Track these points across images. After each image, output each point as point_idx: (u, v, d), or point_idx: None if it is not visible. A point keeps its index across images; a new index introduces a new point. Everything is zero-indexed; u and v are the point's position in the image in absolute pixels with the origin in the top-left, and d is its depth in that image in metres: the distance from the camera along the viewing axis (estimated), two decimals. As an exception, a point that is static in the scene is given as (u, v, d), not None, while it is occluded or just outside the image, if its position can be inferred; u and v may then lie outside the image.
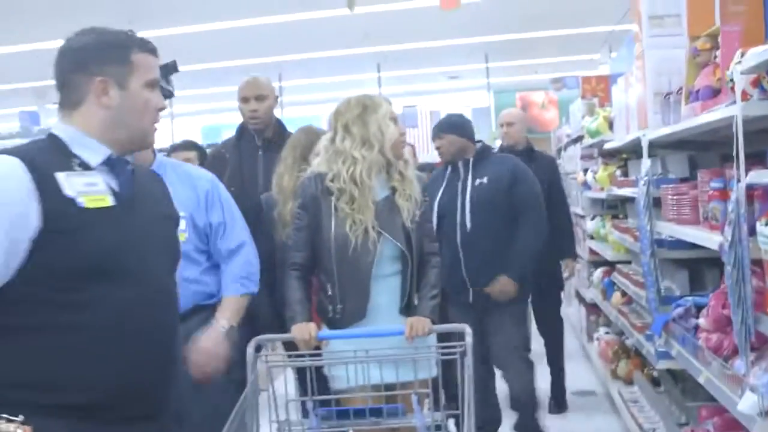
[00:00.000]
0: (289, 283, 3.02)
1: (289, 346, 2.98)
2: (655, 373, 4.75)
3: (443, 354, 2.67)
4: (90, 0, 8.80)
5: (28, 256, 1.76)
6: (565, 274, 5.43)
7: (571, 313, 7.86)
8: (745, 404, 2.45)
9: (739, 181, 2.38)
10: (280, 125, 4.04)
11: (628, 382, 5.32)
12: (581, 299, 7.13)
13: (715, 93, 3.00)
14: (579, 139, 6.73)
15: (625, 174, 5.07)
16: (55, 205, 1.78)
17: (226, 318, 2.69)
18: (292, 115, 17.00)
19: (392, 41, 12.94)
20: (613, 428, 4.94)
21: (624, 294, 5.01)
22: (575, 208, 6.69)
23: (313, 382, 2.50)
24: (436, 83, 17.87)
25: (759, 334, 2.46)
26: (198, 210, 2.82)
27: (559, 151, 8.91)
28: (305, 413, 2.45)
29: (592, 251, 6.21)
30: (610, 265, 5.54)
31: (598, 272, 5.91)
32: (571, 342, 7.31)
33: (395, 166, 3.06)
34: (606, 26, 10.85)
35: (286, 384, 2.73)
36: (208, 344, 2.59)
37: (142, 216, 1.97)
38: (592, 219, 6.20)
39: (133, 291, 1.87)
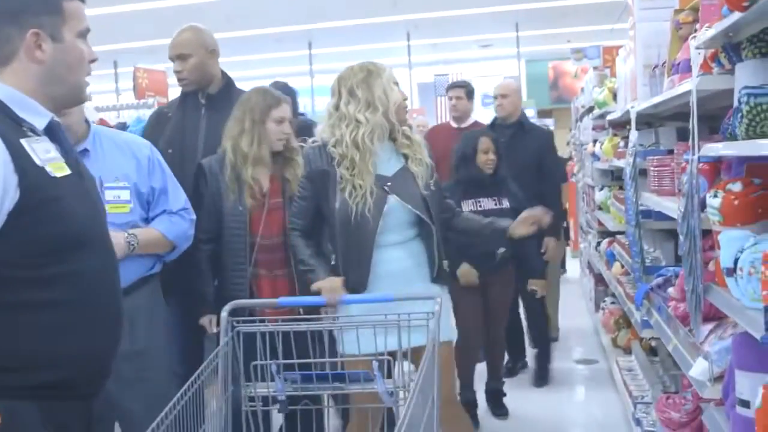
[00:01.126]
0: (294, 242, 3.08)
1: (256, 311, 2.99)
2: (653, 343, 4.82)
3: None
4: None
5: (2, 230, 1.65)
6: (544, 254, 5.33)
7: (584, 283, 7.91)
8: (697, 370, 2.52)
9: (693, 154, 2.43)
10: (226, 81, 3.71)
11: (627, 351, 5.38)
12: (591, 270, 7.18)
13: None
14: (591, 109, 6.73)
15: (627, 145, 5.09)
16: (31, 176, 1.68)
17: (136, 231, 2.78)
18: (322, 83, 17.09)
19: (422, 9, 12.90)
20: (609, 396, 5.01)
21: (623, 265, 5.05)
22: (587, 179, 6.71)
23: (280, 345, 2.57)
24: (467, 52, 17.72)
25: (712, 305, 2.52)
26: (141, 177, 2.85)
27: (576, 121, 8.89)
28: (271, 377, 2.52)
29: (599, 222, 6.24)
30: (613, 236, 5.58)
31: (604, 243, 5.95)
32: (581, 312, 7.38)
33: (400, 131, 3.08)
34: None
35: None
36: None
37: (90, 182, 1.93)
38: (600, 190, 6.22)
39: (99, 260, 1.83)
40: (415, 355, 2.64)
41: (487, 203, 4.39)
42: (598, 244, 6.35)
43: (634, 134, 3.78)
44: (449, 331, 3.12)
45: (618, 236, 5.20)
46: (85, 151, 2.78)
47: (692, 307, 2.49)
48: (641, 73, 3.78)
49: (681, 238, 2.51)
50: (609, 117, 5.17)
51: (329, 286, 2.89)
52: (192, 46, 3.59)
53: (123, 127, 5.38)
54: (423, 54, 16.69)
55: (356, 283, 2.96)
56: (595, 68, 6.87)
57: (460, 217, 3.36)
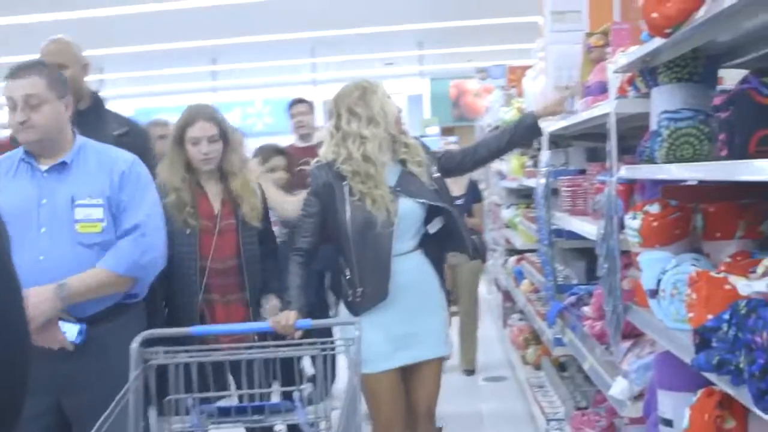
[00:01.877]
0: (291, 268, 3.02)
1: (175, 342, 2.87)
2: (562, 359, 4.89)
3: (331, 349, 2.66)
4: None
5: None
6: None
7: (492, 299, 8.01)
8: (617, 389, 2.56)
9: (611, 175, 2.47)
10: (95, 98, 3.51)
11: (537, 367, 5.45)
12: (498, 286, 7.27)
13: (605, 89, 3.10)
14: (497, 128, 6.83)
15: (536, 164, 5.17)
16: None
17: (69, 281, 2.52)
18: (226, 100, 16.87)
19: (326, 26, 12.89)
20: (521, 413, 5.05)
21: (532, 282, 5.13)
22: (493, 197, 6.79)
23: (195, 378, 2.46)
24: (372, 69, 17.80)
25: (631, 324, 2.56)
26: (113, 192, 2.68)
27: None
28: (186, 410, 2.42)
29: (507, 240, 6.33)
30: (521, 254, 5.66)
31: (511, 260, 6.03)
32: (490, 328, 7.46)
33: (399, 141, 3.13)
34: (534, 16, 10.97)
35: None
36: (31, 294, 2.39)
37: None
38: (507, 208, 6.31)
39: None
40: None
41: None
42: (506, 261, 6.44)
43: (546, 154, 3.84)
44: (443, 345, 3.18)
45: (527, 254, 5.27)
46: (63, 164, 2.63)
47: (612, 327, 2.52)
48: (552, 94, 3.83)
49: (600, 259, 2.54)
50: (517, 137, 5.23)
51: (284, 322, 2.80)
52: (67, 57, 3.37)
53: None
54: (328, 71, 16.69)
55: (376, 294, 2.99)
56: (501, 88, 6.97)
57: (480, 146, 3.38)
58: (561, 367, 5.01)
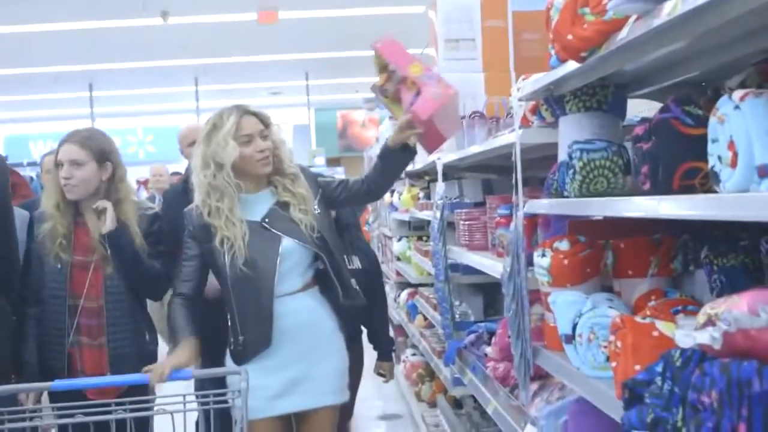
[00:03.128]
0: (174, 312, 2.75)
1: (55, 398, 2.61)
2: (458, 396, 4.74)
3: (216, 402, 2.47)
4: None
5: None
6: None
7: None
8: (525, 438, 2.40)
9: (517, 209, 2.33)
10: None
11: (432, 404, 5.29)
12: (390, 321, 7.10)
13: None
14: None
15: (429, 196, 5.05)
16: None
17: None
18: (104, 127, 16.24)
19: (210, 54, 12.59)
20: (416, 454, 4.87)
21: (425, 317, 4.98)
22: (383, 229, 6.64)
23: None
24: (258, 98, 17.58)
25: (539, 366, 2.42)
26: None
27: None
28: None
29: (398, 273, 6.18)
30: (415, 287, 5.51)
31: (404, 294, 5.88)
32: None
33: (279, 181, 2.82)
34: (417, 48, 11.04)
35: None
36: None
37: None
38: (399, 240, 6.17)
39: None
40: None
41: None
42: (398, 295, 6.28)
43: (441, 186, 3.70)
44: (343, 392, 2.89)
45: (420, 288, 5.12)
46: None
47: (521, 372, 2.36)
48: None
49: (507, 299, 2.38)
50: (410, 168, 5.10)
51: (157, 372, 2.56)
52: None
53: None
54: (211, 99, 16.34)
55: (258, 342, 2.71)
56: (390, 118, 6.84)
57: (368, 176, 2.98)
58: (456, 404, 4.87)
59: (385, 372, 3.84)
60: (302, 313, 2.78)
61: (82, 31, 10.58)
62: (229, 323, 2.77)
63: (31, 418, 2.34)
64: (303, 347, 2.76)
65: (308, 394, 2.78)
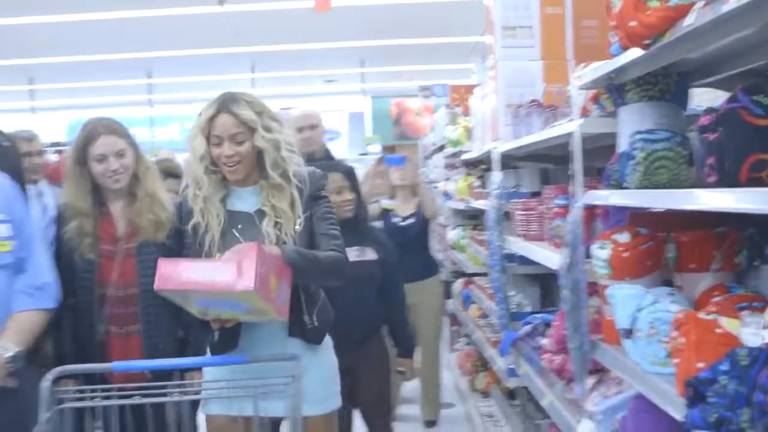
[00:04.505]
0: None
1: (91, 381, 2.55)
2: (512, 386, 4.70)
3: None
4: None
5: None
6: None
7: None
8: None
9: (576, 200, 2.28)
10: None
11: (486, 395, 5.26)
12: (445, 310, 7.08)
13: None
14: (442, 147, 6.67)
15: (484, 185, 5.01)
16: None
17: (11, 340, 2.27)
18: (162, 114, 16.47)
19: (266, 41, 12.66)
20: (469, 443, 4.85)
21: (480, 307, 4.94)
22: (439, 218, 6.60)
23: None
24: (313, 86, 17.67)
25: (596, 360, 2.37)
26: (14, 208, 2.41)
27: (426, 159, 8.88)
28: None
29: (453, 262, 6.14)
30: (469, 277, 5.47)
31: (458, 283, 5.85)
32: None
33: (264, 187, 2.59)
34: (477, 36, 10.96)
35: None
36: None
37: None
38: (454, 229, 6.13)
39: None
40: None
41: (349, 254, 3.41)
42: (451, 284, 6.25)
43: (498, 176, 3.65)
44: (328, 400, 2.71)
45: (475, 278, 5.09)
46: None
47: (577, 365, 2.32)
48: (503, 112, 3.66)
49: (564, 291, 2.34)
50: (465, 156, 5.07)
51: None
52: None
53: None
54: (267, 87, 16.44)
55: (226, 341, 2.57)
56: (447, 106, 6.81)
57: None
58: (511, 395, 4.83)
59: (404, 369, 3.73)
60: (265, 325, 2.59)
61: (142, 19, 10.71)
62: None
63: (91, 398, 2.35)
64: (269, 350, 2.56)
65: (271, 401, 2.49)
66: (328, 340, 2.76)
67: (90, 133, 2.87)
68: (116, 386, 2.32)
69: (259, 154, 2.54)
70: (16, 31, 10.86)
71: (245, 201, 2.62)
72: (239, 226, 2.58)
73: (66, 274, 2.80)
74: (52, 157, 6.36)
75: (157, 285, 2.24)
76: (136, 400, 2.23)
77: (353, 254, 3.41)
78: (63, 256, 2.85)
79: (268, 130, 2.53)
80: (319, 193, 2.68)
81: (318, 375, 2.63)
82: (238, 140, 2.52)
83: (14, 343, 2.26)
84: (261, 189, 2.60)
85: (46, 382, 2.17)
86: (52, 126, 14.31)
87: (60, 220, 2.91)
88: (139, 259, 2.83)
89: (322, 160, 4.25)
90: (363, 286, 3.45)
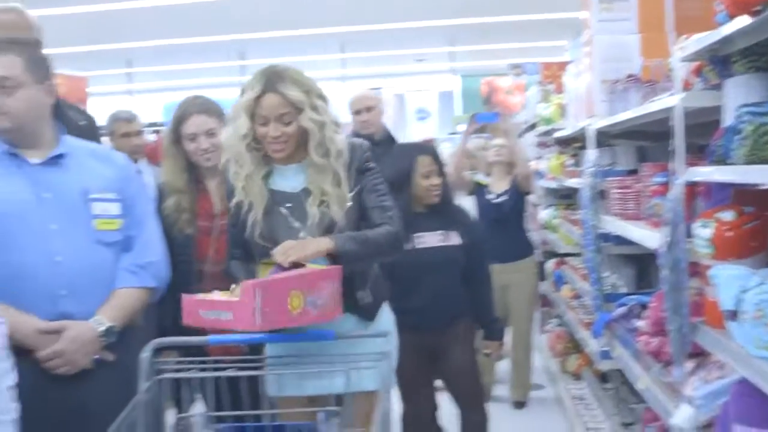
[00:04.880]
0: (236, 267, 2.62)
1: (190, 354, 2.54)
2: (604, 369, 4.61)
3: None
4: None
5: None
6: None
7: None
8: (680, 417, 2.28)
9: (677, 177, 2.20)
10: None
11: (577, 377, 5.18)
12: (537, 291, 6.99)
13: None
14: (535, 126, 6.56)
15: (578, 163, 4.89)
16: None
17: (107, 315, 2.32)
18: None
19: (356, 22, 12.71)
20: (560, 426, 4.77)
21: (573, 288, 4.86)
22: (531, 196, 6.50)
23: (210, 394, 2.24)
24: (402, 66, 17.64)
25: (696, 343, 2.29)
26: (120, 189, 2.44)
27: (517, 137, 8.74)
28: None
29: (545, 242, 6.05)
30: (561, 257, 5.38)
31: (550, 263, 5.76)
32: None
33: (308, 165, 2.52)
34: (569, 12, 10.73)
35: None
36: (81, 336, 2.23)
37: None
38: (546, 209, 6.04)
39: None
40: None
41: (431, 239, 3.45)
42: (543, 264, 6.16)
43: (592, 153, 3.57)
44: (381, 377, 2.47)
45: (567, 258, 4.99)
46: (60, 156, 2.35)
47: (676, 348, 2.25)
48: (599, 88, 3.57)
49: (664, 271, 2.26)
50: (558, 134, 4.97)
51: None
52: (27, 33, 2.84)
53: None
54: (357, 67, 16.51)
55: None
56: (539, 84, 6.68)
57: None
58: (603, 378, 4.74)
59: (491, 351, 3.67)
60: None
61: (235, 2, 10.89)
62: None
63: (188, 370, 2.39)
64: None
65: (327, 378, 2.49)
66: (387, 317, 2.72)
67: (182, 113, 2.96)
68: (212, 359, 2.35)
69: (304, 132, 2.48)
70: (115, 16, 11.18)
71: (289, 179, 2.57)
72: (288, 205, 2.54)
73: (171, 247, 2.85)
74: (150, 137, 6.56)
75: (185, 320, 2.26)
76: (231, 373, 2.25)
77: (436, 238, 3.44)
78: (162, 233, 2.87)
79: (314, 110, 2.45)
80: (366, 166, 2.60)
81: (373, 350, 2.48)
82: (285, 121, 2.44)
83: (109, 318, 2.31)
84: (305, 167, 2.54)
85: (145, 353, 2.23)
86: (149, 108, 14.74)
87: (159, 197, 2.99)
88: (228, 242, 2.83)
89: (382, 141, 4.27)
90: (446, 270, 3.43)
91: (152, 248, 2.50)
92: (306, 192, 2.52)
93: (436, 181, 3.45)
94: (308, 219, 2.48)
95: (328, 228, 2.49)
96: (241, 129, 2.44)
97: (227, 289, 2.64)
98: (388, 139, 4.37)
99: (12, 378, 1.87)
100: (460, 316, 3.51)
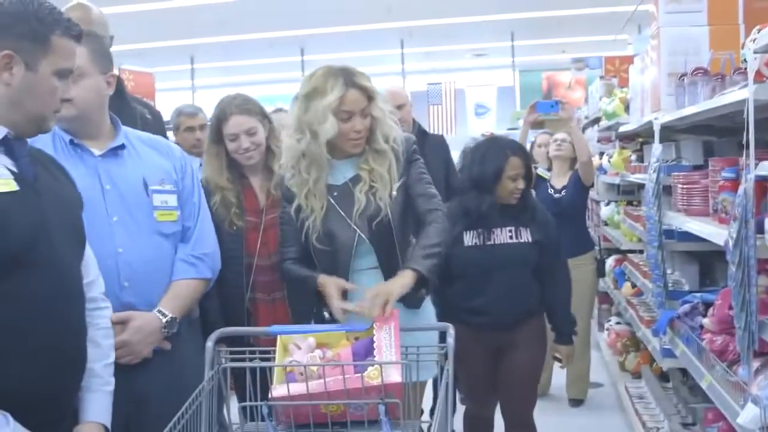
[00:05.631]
0: (288, 268, 2.69)
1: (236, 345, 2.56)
2: (664, 368, 4.54)
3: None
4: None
5: None
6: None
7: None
8: (746, 416, 2.24)
9: (748, 171, 2.15)
10: (116, 78, 2.86)
11: (636, 375, 5.11)
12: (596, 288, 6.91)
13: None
14: (597, 120, 6.47)
15: (641, 159, 4.83)
16: None
17: (168, 306, 2.35)
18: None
19: (416, 16, 12.71)
20: (618, 424, 4.72)
21: (634, 285, 4.79)
22: (591, 192, 6.43)
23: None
24: (461, 61, 17.60)
25: (764, 341, 2.25)
26: (177, 180, 2.47)
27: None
28: (261, 418, 2.17)
29: (605, 238, 5.98)
30: (623, 254, 5.31)
31: (611, 260, 5.69)
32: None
33: (367, 155, 2.60)
34: (631, 5, 10.56)
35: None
36: (146, 327, 2.28)
37: (48, 201, 1.81)
38: (607, 204, 5.96)
39: (45, 283, 1.73)
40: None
41: (502, 235, 3.33)
42: (603, 260, 6.08)
43: (658, 148, 3.51)
44: (433, 366, 2.45)
45: (630, 254, 4.93)
46: (120, 147, 2.38)
47: (743, 346, 2.20)
48: (665, 82, 3.51)
49: (731, 267, 2.22)
50: (623, 128, 4.90)
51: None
52: (97, 28, 2.88)
53: None
54: (416, 62, 16.50)
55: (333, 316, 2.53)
56: (601, 78, 6.60)
57: (423, 229, 2.62)
58: (663, 376, 4.66)
59: (562, 356, 3.49)
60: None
61: (295, -3, 11.00)
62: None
63: (250, 359, 2.41)
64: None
65: None
66: (429, 306, 2.76)
67: (222, 113, 2.99)
68: (263, 349, 2.32)
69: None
70: (179, 13, 11.37)
71: (341, 172, 2.62)
72: (335, 194, 2.59)
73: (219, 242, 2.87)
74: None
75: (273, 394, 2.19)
76: (294, 363, 2.26)
77: (506, 235, 3.32)
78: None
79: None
80: (413, 156, 2.66)
81: (422, 340, 2.44)
82: (365, 113, 2.53)
83: (170, 309, 2.34)
84: (357, 159, 2.60)
85: (209, 342, 2.24)
86: (210, 103, 14.97)
87: (205, 193, 2.97)
88: (280, 242, 2.85)
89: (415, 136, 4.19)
90: (516, 268, 3.31)
91: (207, 240, 2.52)
92: (355, 179, 2.58)
93: (521, 185, 3.32)
94: (354, 205, 2.54)
95: (373, 215, 2.54)
96: (330, 131, 2.48)
97: (278, 282, 2.77)
98: (420, 134, 4.35)
99: (113, 356, 2.04)
100: (530, 315, 3.37)
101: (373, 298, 2.31)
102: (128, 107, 2.92)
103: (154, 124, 3.08)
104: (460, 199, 3.39)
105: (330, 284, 2.50)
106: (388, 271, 2.56)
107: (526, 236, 3.32)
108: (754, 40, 2.17)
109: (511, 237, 3.31)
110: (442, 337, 2.30)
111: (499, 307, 3.28)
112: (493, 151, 3.34)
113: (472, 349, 3.22)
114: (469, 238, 3.31)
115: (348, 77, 2.48)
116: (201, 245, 2.48)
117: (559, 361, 3.53)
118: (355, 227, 2.57)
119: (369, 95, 2.52)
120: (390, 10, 11.91)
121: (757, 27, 2.29)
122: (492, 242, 3.30)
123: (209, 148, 3.05)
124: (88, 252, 2.00)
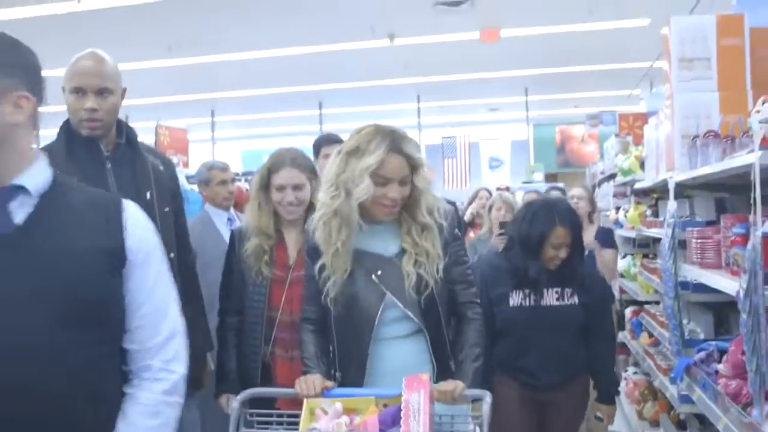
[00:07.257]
0: (303, 337, 2.61)
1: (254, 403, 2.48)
2: (682, 416, 4.70)
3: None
4: (129, 29, 8.99)
5: None
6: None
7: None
8: (760, 455, 2.42)
9: (756, 228, 2.37)
10: (128, 128, 2.90)
11: (654, 424, 5.25)
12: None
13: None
14: (612, 176, 6.71)
15: (656, 214, 5.05)
16: None
17: None
18: (331, 142, 17.15)
19: (432, 72, 13.05)
20: (639, 471, 4.85)
21: (651, 335, 4.96)
22: (607, 246, 6.64)
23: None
24: (476, 115, 17.94)
25: (775, 384, 2.44)
26: None
27: (593, 187, 8.89)
28: None
29: (622, 290, 6.16)
30: (640, 305, 5.49)
31: (628, 311, 5.86)
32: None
33: (405, 224, 2.49)
34: (644, 62, 10.85)
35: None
36: None
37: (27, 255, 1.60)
38: (623, 257, 6.16)
39: None
40: None
41: (549, 297, 3.35)
42: (622, 313, 6.26)
43: (673, 204, 3.73)
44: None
45: (647, 305, 5.11)
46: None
47: (755, 388, 2.40)
48: (679, 143, 3.74)
49: (743, 315, 2.43)
50: (638, 185, 5.13)
51: (304, 383, 2.32)
52: (116, 81, 2.76)
53: None
54: (432, 115, 16.84)
55: (351, 384, 2.44)
56: (616, 135, 6.86)
57: (467, 330, 2.56)
58: (680, 425, 4.80)
59: (603, 415, 3.50)
60: (402, 359, 2.47)
61: (315, 54, 11.33)
62: (329, 355, 2.56)
63: (278, 423, 2.29)
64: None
65: None
66: None
67: (275, 163, 3.06)
68: (291, 413, 2.28)
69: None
70: (198, 70, 11.73)
71: (378, 239, 2.51)
72: (379, 272, 2.47)
73: (234, 293, 3.05)
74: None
75: None
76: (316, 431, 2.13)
77: (552, 297, 3.36)
78: (233, 274, 3.08)
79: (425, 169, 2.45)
80: (455, 233, 2.57)
81: (456, 407, 2.35)
82: (405, 181, 2.42)
83: None
84: (400, 227, 2.49)
85: (235, 403, 2.26)
86: (227, 156, 15.30)
87: (240, 239, 3.11)
88: (303, 299, 2.78)
89: None
90: (561, 330, 3.35)
91: None
92: (401, 253, 2.48)
93: (563, 254, 3.33)
94: (405, 279, 2.43)
95: (419, 290, 2.45)
96: (364, 193, 2.38)
97: (297, 340, 2.69)
98: None
99: (186, 366, 1.83)
100: (576, 375, 3.41)
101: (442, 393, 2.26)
102: (141, 158, 2.89)
103: (166, 173, 3.06)
104: (507, 255, 3.43)
105: (316, 379, 2.36)
106: (435, 344, 2.49)
107: (573, 299, 3.35)
108: (759, 111, 2.41)
109: (558, 299, 3.35)
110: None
111: (546, 368, 3.32)
112: (542, 214, 3.36)
113: (515, 406, 3.28)
114: (516, 298, 3.34)
115: (394, 142, 2.39)
116: None
117: (600, 420, 3.54)
118: (394, 298, 2.45)
119: (413, 164, 2.42)
120: (407, 66, 12.26)
121: (762, 99, 2.53)
122: (541, 303, 3.32)
123: (257, 194, 3.08)
124: (145, 313, 1.76)
